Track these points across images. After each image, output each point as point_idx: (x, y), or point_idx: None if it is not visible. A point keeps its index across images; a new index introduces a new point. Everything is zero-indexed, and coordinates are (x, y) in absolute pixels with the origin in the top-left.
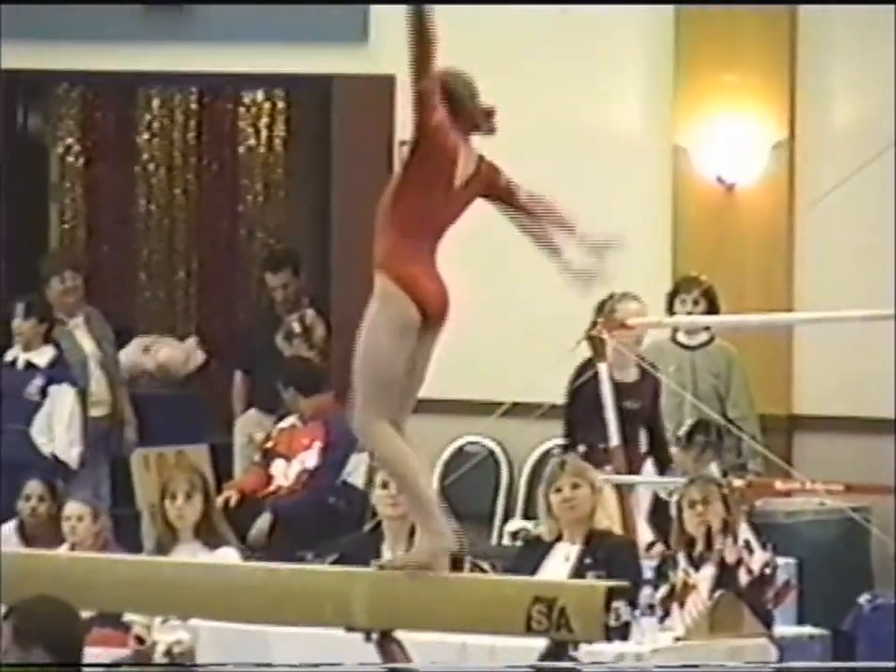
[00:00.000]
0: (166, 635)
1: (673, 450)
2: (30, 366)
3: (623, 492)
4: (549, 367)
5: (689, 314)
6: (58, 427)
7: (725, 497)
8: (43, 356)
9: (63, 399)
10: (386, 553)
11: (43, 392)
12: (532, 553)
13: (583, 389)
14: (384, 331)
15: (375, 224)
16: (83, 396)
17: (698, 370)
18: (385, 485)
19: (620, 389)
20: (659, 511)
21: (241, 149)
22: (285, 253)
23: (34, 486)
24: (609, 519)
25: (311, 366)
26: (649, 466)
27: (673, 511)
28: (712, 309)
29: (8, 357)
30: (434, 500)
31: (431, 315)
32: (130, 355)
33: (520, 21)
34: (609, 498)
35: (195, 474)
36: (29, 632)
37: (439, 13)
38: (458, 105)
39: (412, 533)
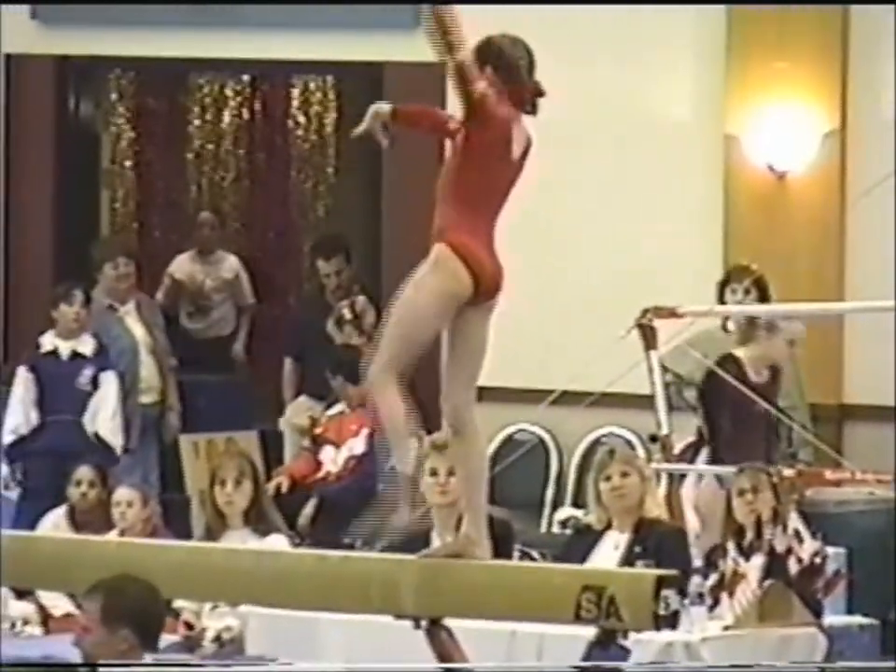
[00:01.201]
0: (215, 621)
1: None
2: (76, 355)
3: (672, 481)
4: (599, 355)
5: (739, 303)
6: (103, 413)
7: (775, 486)
8: (87, 344)
9: (109, 385)
10: (436, 541)
11: (94, 381)
12: (581, 541)
13: (722, 385)
14: (429, 291)
15: (436, 196)
16: (124, 383)
17: None
18: (434, 473)
19: (756, 390)
20: None
21: (291, 136)
22: (337, 239)
23: (84, 472)
24: (658, 507)
25: (359, 354)
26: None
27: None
28: (763, 298)
29: (46, 346)
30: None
31: (484, 288)
32: None
33: (570, 9)
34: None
35: (244, 460)
36: (118, 612)
37: (495, 6)
38: (513, 73)
39: (459, 522)
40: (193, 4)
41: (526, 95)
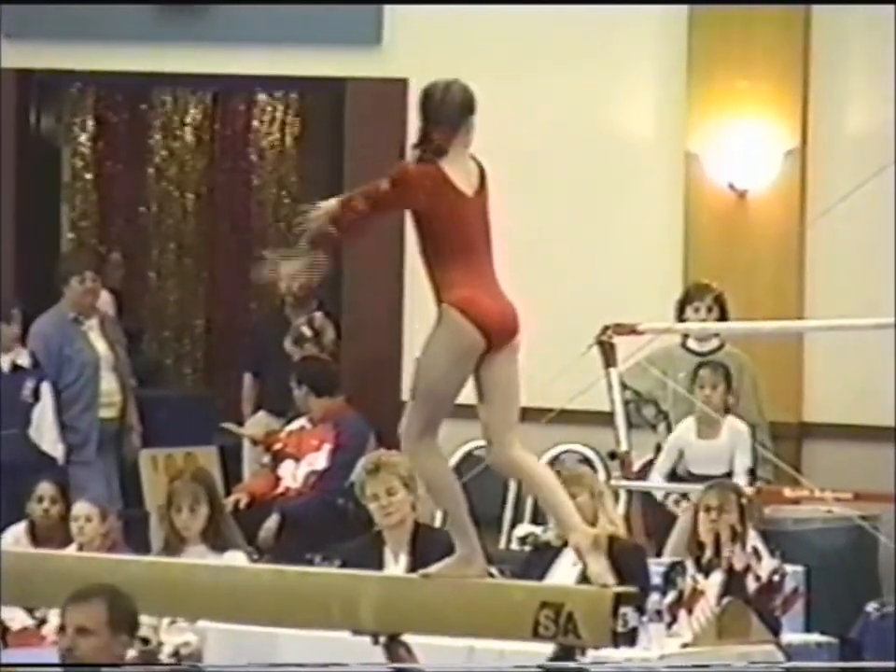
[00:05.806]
0: (174, 636)
1: None
2: (16, 368)
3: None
4: (559, 371)
5: (700, 321)
6: (44, 423)
7: (742, 506)
8: (24, 357)
9: (46, 396)
10: (389, 557)
11: (35, 393)
12: (540, 558)
13: None
14: (441, 354)
15: (422, 262)
16: (58, 393)
17: None
18: (375, 497)
19: None
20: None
21: (253, 151)
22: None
23: (45, 488)
24: (612, 524)
25: (325, 365)
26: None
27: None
28: (723, 316)
29: None
30: (468, 523)
31: (497, 334)
32: None
33: (531, 24)
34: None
35: (199, 485)
36: (123, 617)
37: (452, 16)
38: (451, 120)
39: (413, 538)
40: (163, 4)
41: (458, 138)
